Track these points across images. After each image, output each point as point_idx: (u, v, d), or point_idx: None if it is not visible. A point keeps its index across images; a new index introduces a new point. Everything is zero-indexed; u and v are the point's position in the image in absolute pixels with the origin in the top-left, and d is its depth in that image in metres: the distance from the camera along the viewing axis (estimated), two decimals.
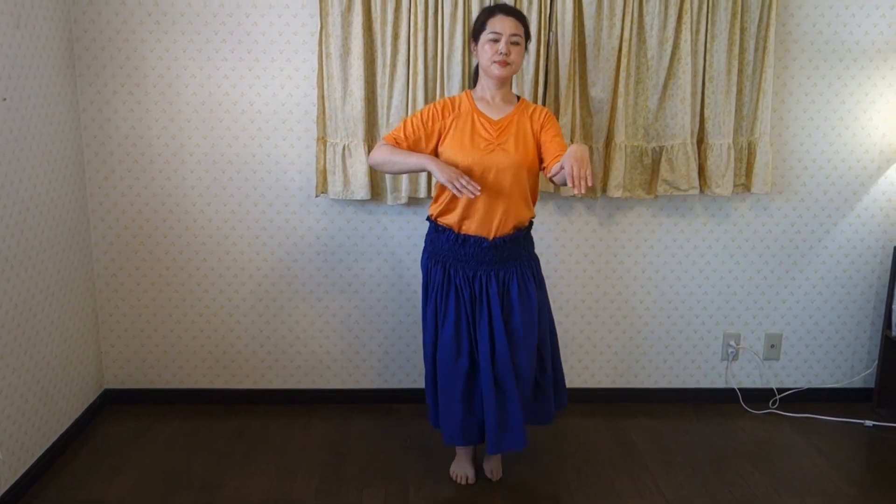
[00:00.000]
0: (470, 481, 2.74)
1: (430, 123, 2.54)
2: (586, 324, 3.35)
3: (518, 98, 2.62)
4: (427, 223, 2.68)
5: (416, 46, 2.95)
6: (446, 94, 2.98)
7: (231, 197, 3.18)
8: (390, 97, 3.01)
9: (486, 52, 2.49)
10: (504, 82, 2.55)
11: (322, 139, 3.05)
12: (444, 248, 2.58)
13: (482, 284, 2.55)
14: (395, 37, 2.96)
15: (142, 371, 3.33)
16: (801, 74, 3.17)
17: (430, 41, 2.96)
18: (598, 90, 3.03)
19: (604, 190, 3.14)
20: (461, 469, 2.77)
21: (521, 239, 2.59)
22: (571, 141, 3.05)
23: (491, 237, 2.53)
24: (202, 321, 3.29)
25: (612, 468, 2.87)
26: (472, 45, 2.58)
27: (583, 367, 3.40)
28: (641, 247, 3.29)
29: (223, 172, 3.16)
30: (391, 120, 3.02)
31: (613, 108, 3.06)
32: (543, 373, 2.70)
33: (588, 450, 3.00)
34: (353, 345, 3.33)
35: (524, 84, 3.00)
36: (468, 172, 2.45)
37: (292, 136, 3.14)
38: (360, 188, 3.05)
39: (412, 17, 2.94)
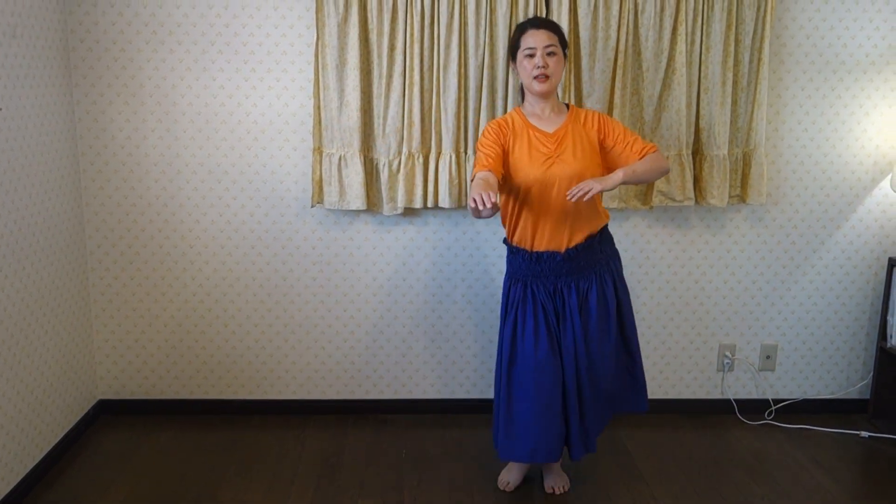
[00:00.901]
0: (508, 489, 2.75)
1: (499, 141, 2.51)
2: None
3: (567, 106, 2.61)
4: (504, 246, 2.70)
5: (412, 58, 2.96)
6: (442, 106, 2.99)
7: (227, 207, 3.18)
8: (386, 108, 3.01)
9: (525, 69, 2.49)
10: (549, 95, 2.53)
11: (318, 149, 3.05)
12: (521, 266, 2.58)
13: (563, 298, 2.55)
14: (392, 48, 2.97)
15: (136, 381, 3.32)
16: (796, 86, 3.18)
17: (426, 52, 2.96)
18: (594, 101, 3.04)
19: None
20: (511, 475, 2.77)
21: (595, 244, 2.57)
22: None
23: (563, 249, 2.52)
24: (197, 331, 3.28)
25: (608, 479, 2.87)
26: (511, 64, 2.58)
27: None
28: (637, 258, 3.30)
29: (219, 182, 3.16)
30: (387, 130, 3.02)
31: None
32: (634, 364, 2.72)
33: (584, 460, 2.99)
34: (348, 355, 3.33)
35: (520, 95, 3.01)
36: (531, 188, 2.46)
37: (288, 146, 3.14)
38: (356, 198, 3.05)
39: (408, 29, 2.95)
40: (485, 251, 3.26)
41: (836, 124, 3.22)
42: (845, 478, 2.92)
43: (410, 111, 3.00)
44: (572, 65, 3.01)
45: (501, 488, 2.76)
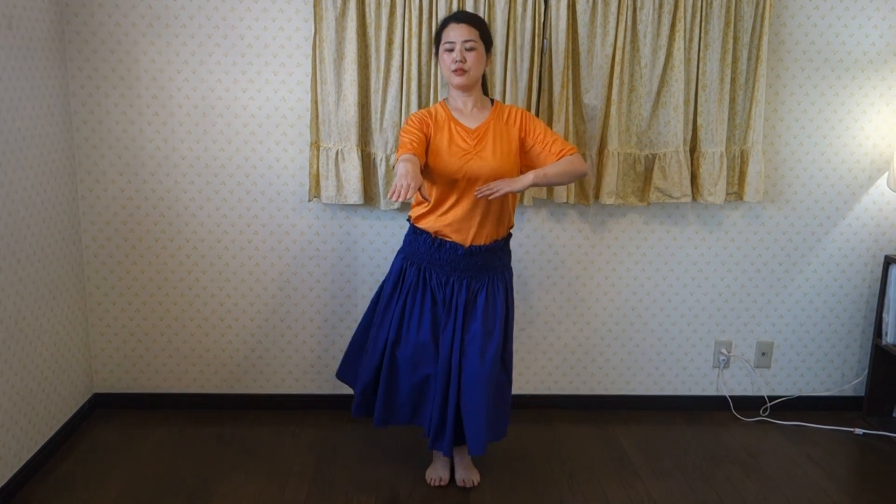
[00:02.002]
0: (443, 483, 2.75)
1: (422, 128, 2.54)
2: (578, 330, 3.35)
3: (493, 102, 2.62)
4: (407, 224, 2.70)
5: (410, 52, 2.95)
6: (440, 100, 2.98)
7: (223, 201, 3.17)
8: (384, 102, 3.01)
9: (444, 63, 2.51)
10: (469, 89, 2.54)
11: (315, 144, 3.04)
12: (420, 250, 2.59)
13: (453, 292, 2.57)
14: (390, 42, 2.96)
15: (132, 375, 3.31)
16: (794, 84, 3.18)
17: (424, 46, 2.96)
18: (592, 97, 3.04)
19: (596, 197, 3.14)
20: (435, 472, 2.78)
21: (497, 249, 2.60)
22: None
23: (467, 245, 2.53)
24: (193, 325, 3.28)
25: (604, 475, 2.87)
26: (435, 57, 2.60)
27: (574, 374, 3.40)
28: (634, 254, 3.30)
29: (216, 176, 3.15)
30: (384, 125, 3.02)
31: (607, 116, 3.07)
32: (509, 386, 2.72)
33: (579, 457, 3.00)
34: (344, 350, 3.32)
35: (518, 91, 3.01)
36: (448, 182, 2.48)
37: (285, 140, 3.13)
38: (353, 193, 3.04)
39: (406, 23, 2.94)
40: None
41: (834, 122, 3.22)
42: (840, 474, 2.93)
43: (408, 106, 2.99)
44: (570, 61, 3.01)
45: (434, 485, 2.75)
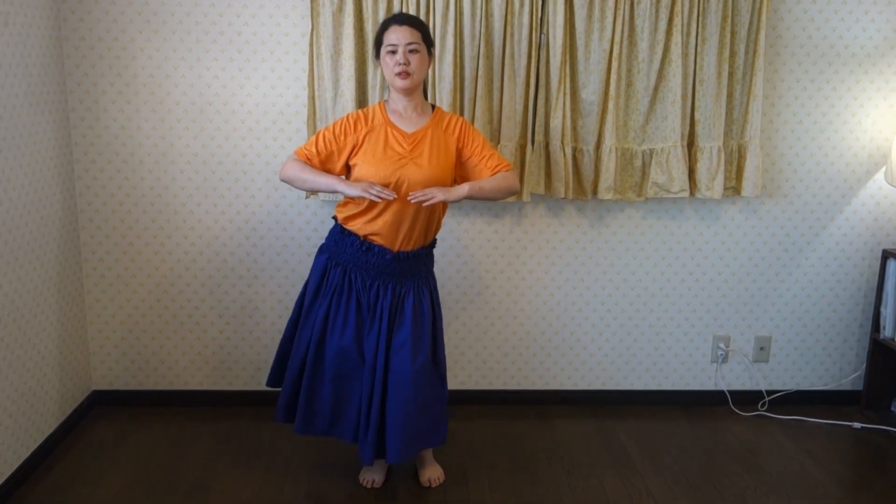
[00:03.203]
0: (376, 485, 2.71)
1: (342, 137, 2.51)
2: (576, 326, 3.36)
3: (434, 107, 2.60)
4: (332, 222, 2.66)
5: None
6: (438, 97, 2.98)
7: (221, 198, 3.17)
8: (381, 98, 3.00)
9: (387, 66, 2.47)
10: (411, 93, 2.50)
11: None
12: (346, 251, 2.56)
13: (378, 296, 2.54)
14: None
15: (130, 372, 3.31)
16: (791, 78, 3.18)
17: None
18: (589, 92, 3.04)
19: (594, 192, 3.14)
20: (369, 474, 2.75)
21: (423, 256, 2.59)
22: (561, 143, 3.05)
23: (395, 250, 2.52)
24: (191, 322, 3.28)
25: (602, 470, 2.88)
26: (376, 60, 2.56)
27: (573, 370, 3.40)
28: (631, 249, 3.30)
29: (213, 173, 3.15)
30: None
31: (604, 111, 3.07)
32: (443, 391, 2.68)
33: (578, 452, 3.00)
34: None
35: (515, 87, 3.01)
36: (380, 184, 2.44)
37: (283, 136, 3.13)
38: None
39: None
40: (479, 243, 3.26)
41: (831, 116, 3.22)
42: (837, 469, 2.93)
43: None
44: (567, 56, 3.01)
45: (368, 487, 2.71)
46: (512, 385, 3.41)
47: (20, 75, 2.67)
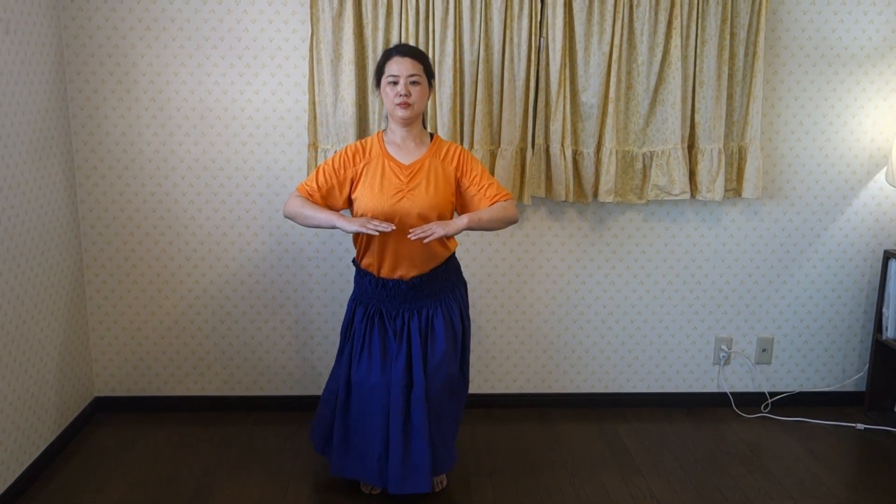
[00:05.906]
0: (374, 491, 2.70)
1: (341, 171, 2.52)
2: (578, 329, 3.36)
3: (432, 136, 2.59)
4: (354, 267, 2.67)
5: None
6: (437, 101, 2.99)
7: (222, 203, 3.17)
8: (382, 103, 3.00)
9: (388, 96, 2.47)
10: (410, 123, 2.51)
11: (313, 145, 3.04)
12: (367, 290, 2.58)
13: (404, 321, 2.55)
14: (387, 43, 2.96)
15: (133, 379, 3.31)
16: (791, 79, 3.19)
17: (420, 47, 2.95)
18: (589, 95, 3.04)
19: (595, 195, 3.14)
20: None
21: (440, 274, 2.57)
22: (561, 146, 3.05)
23: (408, 279, 2.52)
24: (193, 328, 3.28)
25: (605, 472, 2.87)
26: (376, 90, 2.56)
27: (575, 372, 3.40)
28: (633, 252, 3.30)
29: (214, 178, 3.15)
30: (382, 126, 3.01)
31: (604, 114, 3.07)
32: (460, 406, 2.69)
33: (581, 455, 3.00)
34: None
35: (515, 91, 3.01)
36: (380, 218, 2.42)
37: (283, 141, 3.13)
38: None
39: (403, 23, 2.94)
40: (480, 247, 3.26)
41: (832, 117, 3.22)
42: (841, 469, 2.93)
43: None
44: (567, 59, 3.01)
45: (369, 493, 2.70)
46: (514, 388, 3.41)
47: (21, 83, 2.68)
